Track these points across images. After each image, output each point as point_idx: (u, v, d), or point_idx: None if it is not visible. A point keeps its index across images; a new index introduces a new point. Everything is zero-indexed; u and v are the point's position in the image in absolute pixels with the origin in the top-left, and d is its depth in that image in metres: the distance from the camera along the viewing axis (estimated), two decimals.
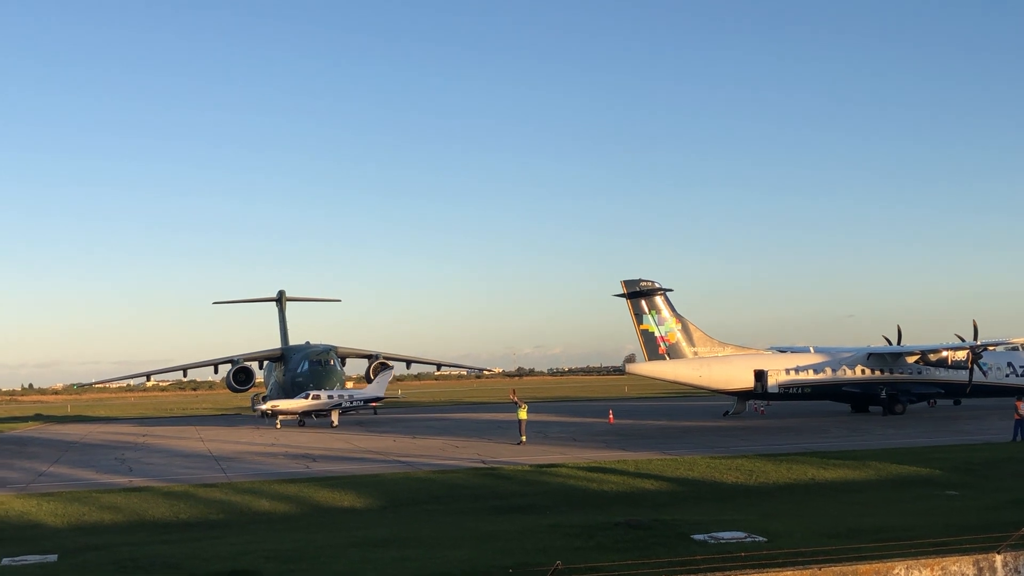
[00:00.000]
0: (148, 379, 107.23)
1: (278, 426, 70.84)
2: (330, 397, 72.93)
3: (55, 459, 50.90)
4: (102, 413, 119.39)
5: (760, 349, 68.97)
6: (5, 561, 22.36)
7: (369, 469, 40.03)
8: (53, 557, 22.70)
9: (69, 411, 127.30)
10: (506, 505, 29.63)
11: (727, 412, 67.04)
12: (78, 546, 24.42)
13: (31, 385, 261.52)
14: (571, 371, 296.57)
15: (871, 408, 66.18)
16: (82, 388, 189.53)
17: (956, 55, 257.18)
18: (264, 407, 72.37)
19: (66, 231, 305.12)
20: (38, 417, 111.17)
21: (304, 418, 72.37)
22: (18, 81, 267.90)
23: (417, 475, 37.45)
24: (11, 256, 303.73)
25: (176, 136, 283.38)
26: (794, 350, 69.32)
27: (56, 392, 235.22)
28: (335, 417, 72.22)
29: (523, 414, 51.13)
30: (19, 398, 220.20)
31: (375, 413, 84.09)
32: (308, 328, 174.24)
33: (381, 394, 76.66)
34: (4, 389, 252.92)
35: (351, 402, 73.87)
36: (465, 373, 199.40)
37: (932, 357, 65.27)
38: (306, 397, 72.10)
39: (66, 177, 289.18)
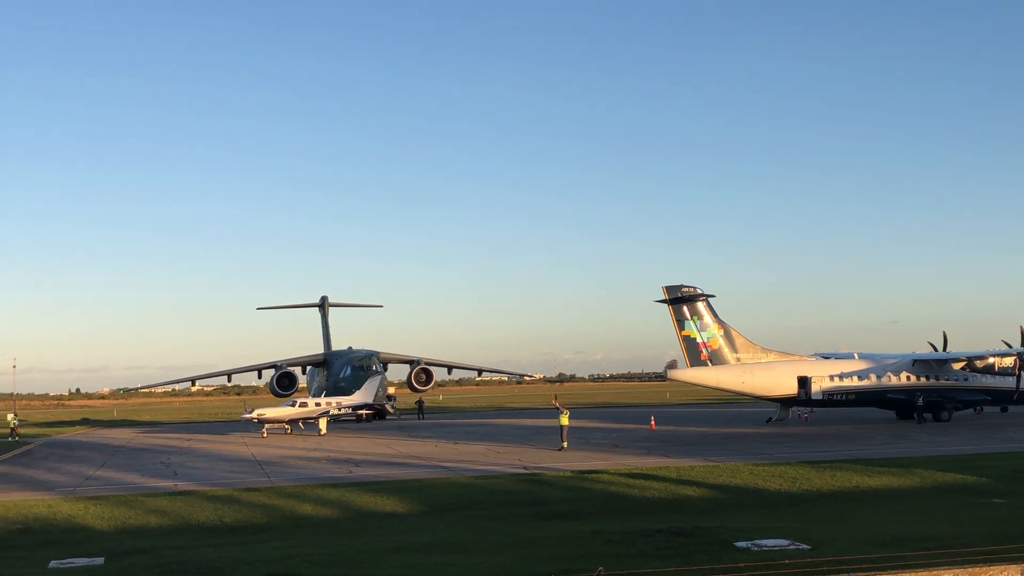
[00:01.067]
0: (193, 384, 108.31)
1: (264, 435, 67.90)
2: (317, 404, 71.70)
3: (102, 463, 51.52)
4: (147, 417, 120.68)
5: (804, 355, 68.34)
6: (53, 564, 22.68)
7: (411, 474, 40.15)
8: (100, 560, 23.00)
9: (115, 415, 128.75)
10: (548, 511, 29.60)
11: (770, 419, 66.50)
12: (124, 549, 24.70)
13: (78, 390, 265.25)
14: (612, 377, 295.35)
15: (916, 415, 65.35)
16: (128, 393, 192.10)
17: (1002, 56, 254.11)
18: (251, 415, 70.00)
19: (113, 239, 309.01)
20: (85, 421, 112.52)
21: (291, 425, 70.34)
22: (70, 91, 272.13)
23: (459, 480, 37.53)
24: (59, 263, 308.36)
25: (220, 147, 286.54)
26: (838, 356, 68.62)
27: (103, 397, 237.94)
28: (323, 425, 69.95)
29: (565, 420, 51.04)
30: (66, 402, 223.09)
31: (359, 420, 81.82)
32: (350, 334, 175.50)
33: (369, 400, 76.19)
34: (52, 394, 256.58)
35: (339, 409, 72.84)
36: (506, 379, 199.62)
37: (978, 363, 64.43)
38: (293, 405, 70.89)
39: (114, 187, 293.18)
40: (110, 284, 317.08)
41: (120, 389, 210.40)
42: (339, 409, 72.55)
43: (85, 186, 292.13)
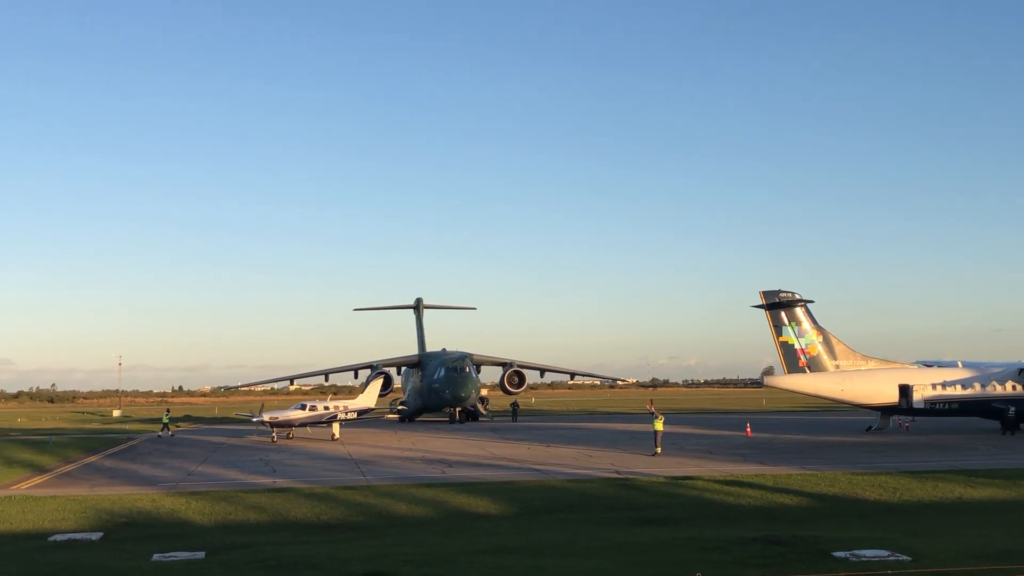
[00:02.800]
0: (291, 383, 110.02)
1: (274, 439, 65.57)
2: (326, 408, 68.76)
3: (203, 459, 52.73)
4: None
5: (905, 363, 66.84)
6: (156, 557, 23.27)
7: (503, 476, 40.29)
8: (201, 554, 23.52)
9: (216, 413, 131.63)
10: (641, 517, 29.42)
11: (870, 427, 65.19)
12: (224, 544, 25.23)
13: (180, 387, 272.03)
14: (707, 383, 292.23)
15: (1005, 425, 63.39)
16: (228, 391, 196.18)
17: None
18: (264, 418, 66.93)
19: (217, 242, 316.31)
20: (187, 418, 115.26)
21: (298, 429, 68.13)
22: (168, 93, 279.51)
23: (551, 483, 37.54)
24: (164, 265, 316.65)
25: (320, 148, 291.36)
26: (941, 364, 66.95)
27: (204, 394, 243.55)
28: (336, 429, 68.05)
29: (659, 425, 50.69)
30: (169, 399, 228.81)
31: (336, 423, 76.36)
32: (444, 335, 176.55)
33: (372, 405, 73.47)
34: (156, 391, 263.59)
35: (346, 413, 69.90)
36: (599, 383, 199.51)
37: None
38: (303, 408, 67.93)
39: (218, 190, 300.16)
40: (213, 285, 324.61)
41: (221, 387, 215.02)
42: (346, 413, 69.65)
43: (192, 189, 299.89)
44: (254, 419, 68.16)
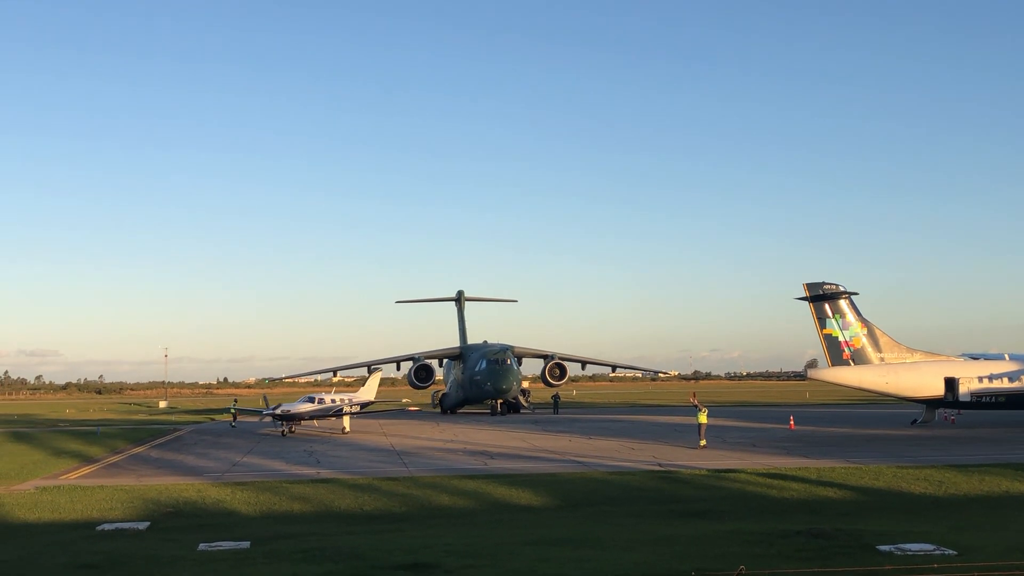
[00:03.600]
0: (334, 374, 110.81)
1: (285, 433, 64.34)
2: (333, 401, 67.64)
3: (248, 450, 53.23)
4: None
5: (951, 356, 66.05)
6: (202, 546, 23.53)
7: (545, 468, 40.34)
8: (246, 544, 23.76)
9: (261, 404, 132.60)
10: (683, 509, 29.35)
11: (915, 421, 64.52)
12: (269, 534, 25.49)
13: (226, 379, 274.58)
14: (749, 375, 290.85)
15: None
16: (273, 382, 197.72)
17: None
18: (277, 412, 64.88)
19: (258, 236, 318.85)
20: (252, 410, 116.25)
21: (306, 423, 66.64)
22: (229, 87, 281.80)
23: (593, 476, 37.53)
24: (209, 258, 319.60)
25: (360, 142, 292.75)
26: (987, 357, 66.05)
27: (249, 386, 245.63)
28: (347, 423, 67.38)
29: (703, 418, 50.51)
30: (215, 391, 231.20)
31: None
32: (485, 327, 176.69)
33: (372, 398, 73.35)
34: (201, 382, 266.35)
35: (351, 406, 69.11)
36: (640, 375, 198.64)
37: None
38: (311, 401, 66.41)
39: (257, 182, 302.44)
40: (257, 278, 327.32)
41: (265, 379, 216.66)
42: (351, 406, 68.82)
43: (236, 182, 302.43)
44: (265, 413, 66.52)
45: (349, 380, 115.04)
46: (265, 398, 73.59)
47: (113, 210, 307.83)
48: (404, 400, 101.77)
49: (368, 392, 73.32)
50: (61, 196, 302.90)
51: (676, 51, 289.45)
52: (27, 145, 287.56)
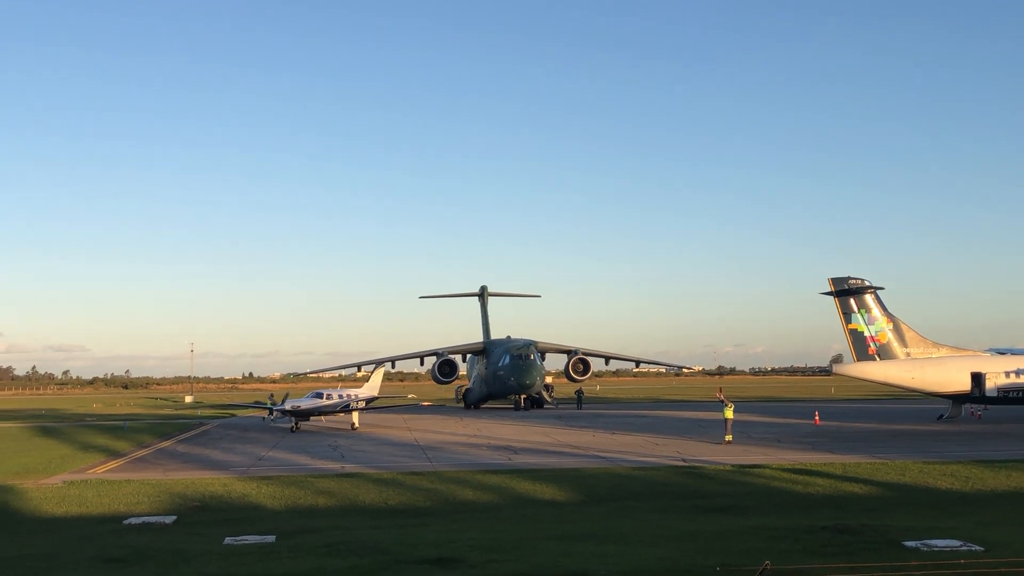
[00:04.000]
0: (359, 369, 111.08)
1: (293, 429, 63.27)
2: (340, 397, 66.49)
3: (273, 444, 53.45)
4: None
5: (978, 350, 65.59)
6: (228, 540, 23.65)
7: (569, 463, 40.32)
8: (271, 538, 23.87)
9: (268, 401, 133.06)
10: (707, 505, 29.27)
11: (941, 416, 64.13)
12: (294, 528, 25.60)
13: (251, 374, 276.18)
14: (774, 371, 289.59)
15: None
16: (297, 377, 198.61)
17: None
18: (286, 407, 63.92)
19: (283, 231, 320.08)
20: (258, 404, 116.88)
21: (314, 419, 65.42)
22: (242, 86, 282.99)
23: (616, 471, 37.49)
24: (232, 253, 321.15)
25: (385, 139, 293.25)
26: (1015, 352, 65.57)
27: (274, 381, 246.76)
28: (356, 419, 66.40)
29: (729, 413, 50.34)
30: (240, 386, 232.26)
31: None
32: (509, 323, 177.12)
33: (376, 393, 71.93)
34: (226, 377, 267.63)
35: (357, 403, 67.80)
36: (664, 370, 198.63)
37: None
38: (320, 397, 65.28)
39: (282, 179, 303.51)
40: (281, 274, 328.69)
41: (290, 374, 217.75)
42: (356, 402, 67.41)
43: (262, 179, 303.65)
44: (275, 408, 65.23)
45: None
46: (271, 396, 72.65)
47: (140, 207, 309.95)
48: (410, 396, 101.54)
49: (372, 388, 72.46)
50: (88, 194, 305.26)
51: (700, 50, 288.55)
52: (56, 145, 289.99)
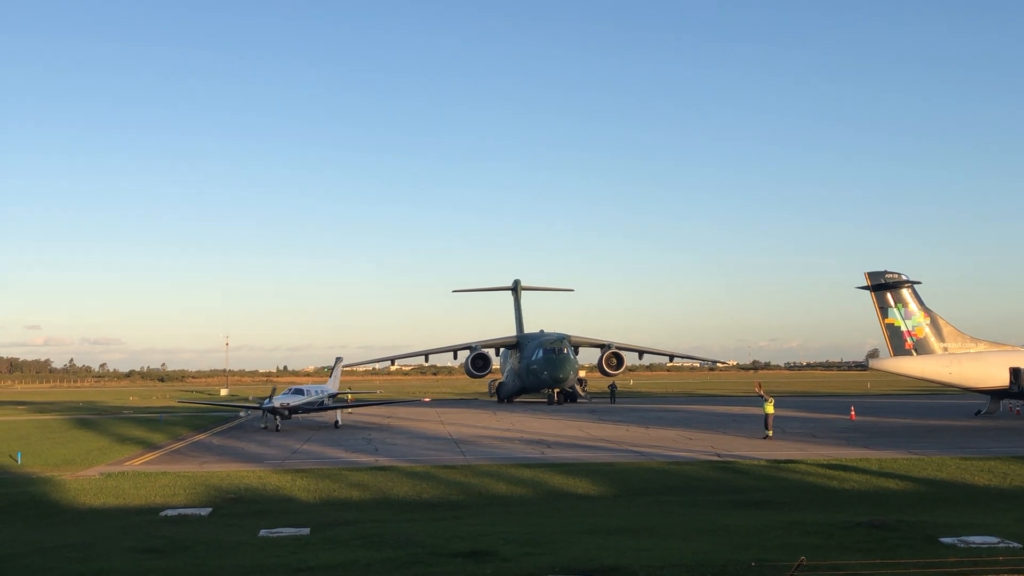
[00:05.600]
0: (392, 363, 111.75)
1: (271, 427, 59.00)
2: (317, 393, 62.61)
3: (307, 438, 53.73)
4: (348, 396, 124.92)
5: (1017, 345, 64.86)
6: (263, 532, 23.80)
7: (602, 457, 40.27)
8: (306, 530, 23.99)
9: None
10: (742, 500, 29.12)
11: (979, 411, 63.49)
12: (328, 521, 25.71)
13: (285, 367, 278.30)
14: (809, 365, 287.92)
15: None
16: (330, 371, 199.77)
17: None
18: (276, 404, 58.73)
19: (317, 226, 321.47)
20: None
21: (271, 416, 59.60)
22: (285, 86, 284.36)
23: (651, 465, 37.40)
24: (267, 247, 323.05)
25: (418, 132, 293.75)
26: None
27: (308, 374, 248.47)
28: (339, 415, 63.28)
29: (770, 408, 50.07)
30: (275, 379, 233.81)
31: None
32: (542, 316, 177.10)
33: (336, 389, 69.05)
34: (261, 371, 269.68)
35: (327, 399, 64.23)
36: (698, 365, 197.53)
37: None
38: (301, 393, 60.96)
39: (316, 175, 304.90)
40: (316, 267, 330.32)
41: (324, 367, 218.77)
42: (327, 397, 64.23)
43: (295, 175, 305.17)
44: (265, 406, 59.68)
45: (407, 369, 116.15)
46: (275, 389, 67.23)
47: (174, 201, 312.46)
48: (378, 391, 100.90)
49: (334, 382, 70.03)
50: (126, 188, 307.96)
51: (735, 30, 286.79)
52: (93, 139, 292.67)
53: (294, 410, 60.05)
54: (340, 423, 62.64)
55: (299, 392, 61.43)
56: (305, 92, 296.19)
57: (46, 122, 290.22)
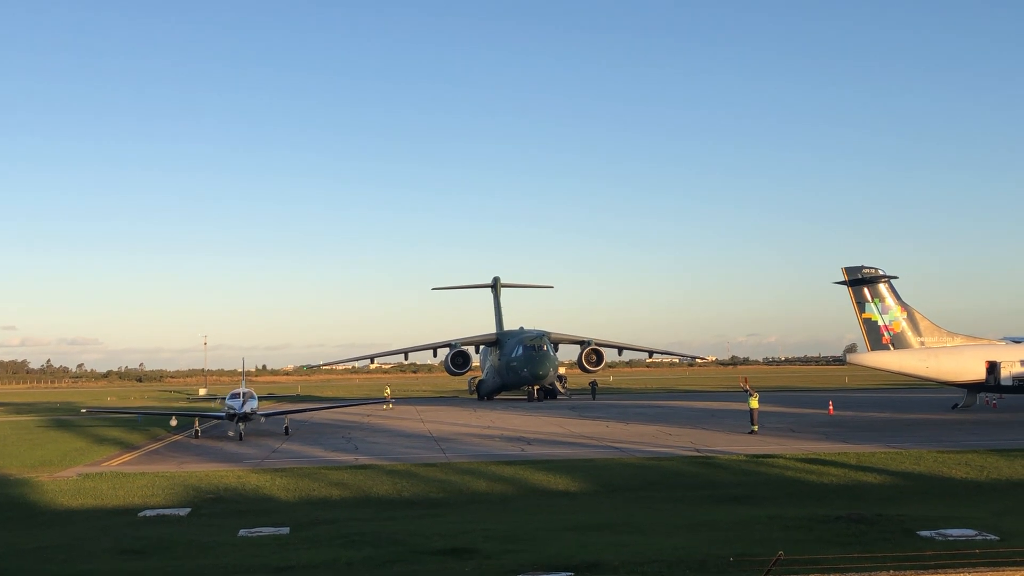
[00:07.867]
0: (372, 361, 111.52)
1: (231, 433, 53.22)
2: (251, 398, 55.92)
3: (286, 438, 53.46)
4: (329, 393, 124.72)
5: (993, 339, 65.27)
6: (242, 532, 23.74)
7: (582, 454, 40.30)
8: (285, 530, 23.94)
9: (299, 391, 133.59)
10: (722, 495, 29.22)
11: (956, 405, 63.89)
12: (308, 520, 25.65)
13: (264, 366, 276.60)
14: (787, 360, 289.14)
15: None
16: (310, 370, 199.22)
17: None
18: (239, 411, 53.41)
19: (295, 224, 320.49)
20: (271, 396, 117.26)
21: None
22: (275, 89, 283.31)
23: (630, 461, 37.46)
24: (244, 246, 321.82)
25: (397, 130, 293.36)
26: None
27: (287, 373, 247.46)
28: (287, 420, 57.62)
29: (754, 403, 50.25)
30: (253, 378, 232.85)
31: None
32: (522, 314, 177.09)
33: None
34: (239, 370, 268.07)
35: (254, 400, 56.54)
36: (677, 361, 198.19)
37: None
38: (237, 397, 55.01)
39: (291, 173, 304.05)
40: (294, 265, 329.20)
41: (303, 366, 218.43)
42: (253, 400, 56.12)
43: (272, 173, 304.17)
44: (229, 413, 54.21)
45: (386, 367, 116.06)
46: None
47: (153, 202, 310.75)
48: (298, 391, 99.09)
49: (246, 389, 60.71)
50: (101, 190, 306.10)
51: (707, 30, 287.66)
52: (68, 143, 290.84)
53: (248, 416, 54.49)
54: (289, 432, 55.90)
55: (235, 396, 55.44)
56: (282, 94, 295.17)
57: (21, 125, 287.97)
